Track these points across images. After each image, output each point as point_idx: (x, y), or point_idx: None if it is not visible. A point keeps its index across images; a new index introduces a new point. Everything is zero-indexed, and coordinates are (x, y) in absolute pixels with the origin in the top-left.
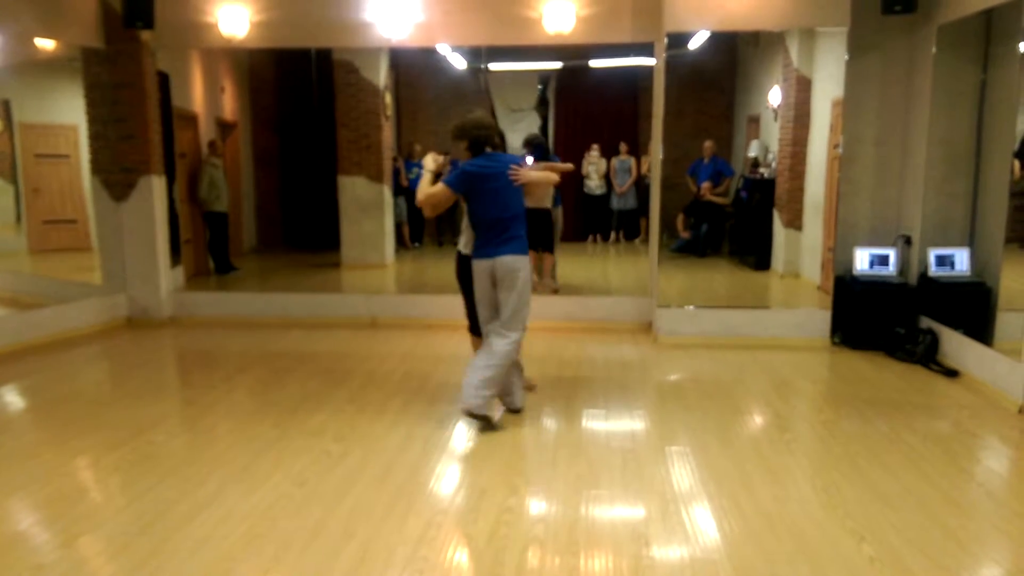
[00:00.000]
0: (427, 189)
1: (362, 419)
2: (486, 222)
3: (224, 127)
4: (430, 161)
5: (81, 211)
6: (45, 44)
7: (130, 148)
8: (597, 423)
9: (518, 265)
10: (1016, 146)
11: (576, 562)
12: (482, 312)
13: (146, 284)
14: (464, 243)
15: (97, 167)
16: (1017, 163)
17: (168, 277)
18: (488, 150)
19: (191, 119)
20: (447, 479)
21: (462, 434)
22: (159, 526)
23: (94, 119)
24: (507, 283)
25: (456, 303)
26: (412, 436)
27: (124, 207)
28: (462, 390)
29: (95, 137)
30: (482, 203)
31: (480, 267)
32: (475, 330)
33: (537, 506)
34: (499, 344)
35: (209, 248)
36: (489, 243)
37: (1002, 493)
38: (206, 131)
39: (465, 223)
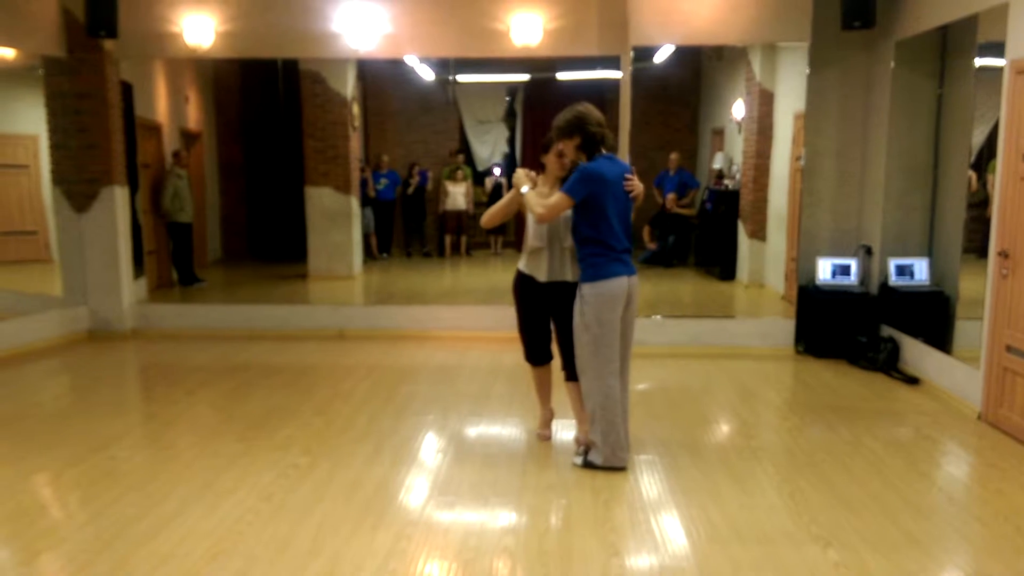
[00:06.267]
0: (544, 203)
1: (329, 432)
2: (613, 233)
3: (189, 137)
4: (524, 177)
5: (41, 222)
6: (5, 53)
7: (92, 158)
8: (566, 433)
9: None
10: (972, 158)
11: (546, 572)
12: (614, 345)
13: (108, 296)
14: (527, 264)
15: (58, 177)
16: (974, 175)
17: (130, 289)
18: (603, 150)
19: (155, 129)
20: (416, 492)
21: (431, 446)
22: (121, 543)
23: (55, 129)
24: (634, 303)
25: (425, 313)
26: (380, 449)
27: (86, 218)
28: (613, 448)
29: (56, 147)
30: (610, 210)
31: (617, 287)
32: (538, 359)
33: (506, 517)
34: (628, 376)
35: (173, 259)
36: (619, 259)
37: (962, 498)
38: (170, 141)
39: (536, 243)
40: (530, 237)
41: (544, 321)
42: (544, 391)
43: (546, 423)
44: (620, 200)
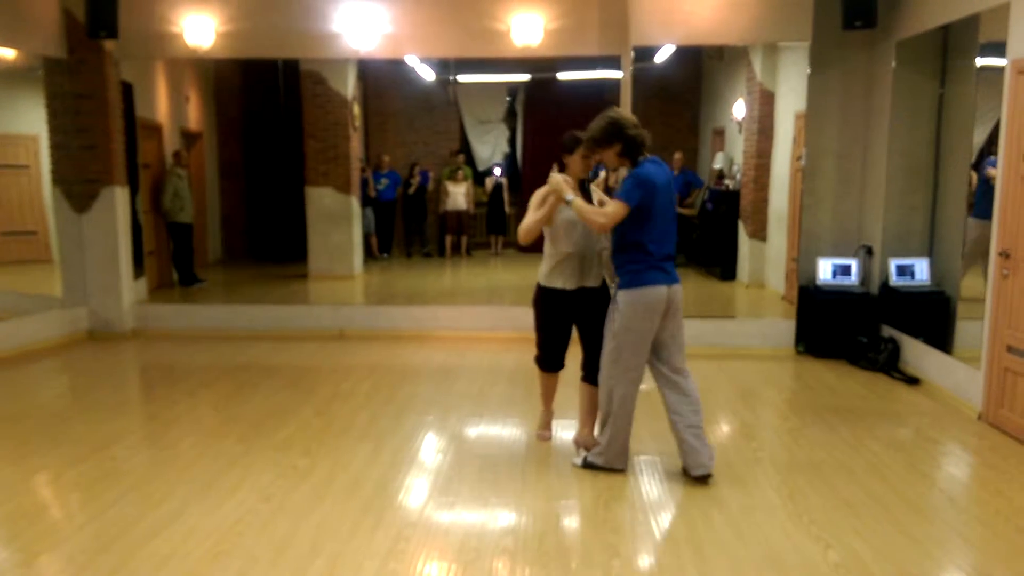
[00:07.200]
0: (604, 212)
1: (329, 433)
2: (656, 240)
3: (189, 137)
4: (564, 185)
5: (41, 222)
6: (6, 53)
7: (92, 158)
8: (566, 433)
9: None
10: (973, 158)
11: (546, 573)
12: (640, 354)
13: (108, 297)
14: (552, 274)
15: (58, 178)
16: (975, 175)
17: (130, 289)
18: (646, 153)
19: (155, 129)
20: (416, 492)
21: (431, 447)
22: (121, 543)
23: (56, 129)
24: (677, 310)
25: (425, 314)
26: (380, 449)
27: (86, 218)
28: (690, 456)
29: (56, 147)
30: (658, 216)
31: (653, 296)
32: (553, 367)
33: (506, 518)
34: (690, 384)
35: (173, 260)
36: (659, 266)
37: (963, 499)
38: (170, 141)
39: (551, 251)
40: (561, 243)
41: (567, 331)
42: (549, 394)
43: (547, 424)
44: (666, 206)
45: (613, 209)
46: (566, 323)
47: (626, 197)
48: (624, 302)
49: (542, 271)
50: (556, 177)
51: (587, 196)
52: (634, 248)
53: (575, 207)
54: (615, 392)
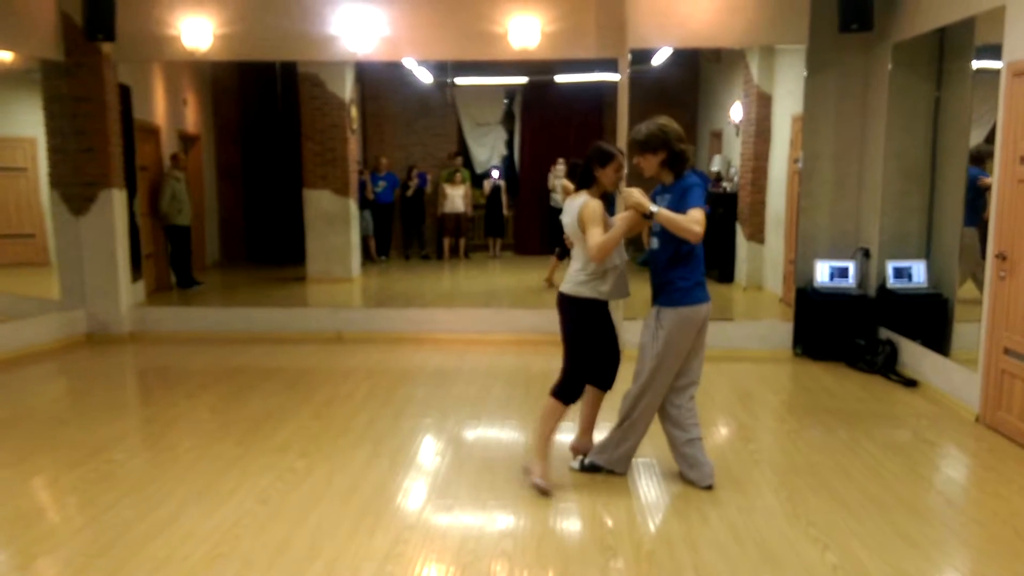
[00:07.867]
0: (697, 219)
1: (327, 435)
2: (702, 252)
3: (187, 140)
4: (641, 196)
5: (39, 225)
6: (3, 56)
7: (90, 161)
8: (564, 436)
9: None
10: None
11: (545, 575)
12: (672, 371)
13: (106, 299)
14: (604, 286)
15: (56, 180)
16: None
17: (128, 292)
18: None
19: (153, 132)
20: (414, 495)
21: (429, 449)
22: (119, 547)
23: (53, 132)
24: (706, 326)
25: (423, 316)
26: (378, 452)
27: (83, 221)
28: (696, 469)
29: (54, 150)
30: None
31: (696, 315)
32: (572, 395)
33: (504, 520)
34: (694, 399)
35: (171, 262)
36: (701, 283)
37: (960, 500)
38: (168, 144)
39: (585, 262)
40: (620, 253)
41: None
42: (555, 433)
43: (545, 471)
44: None
45: (701, 215)
46: (611, 336)
47: (701, 203)
48: (672, 321)
49: (600, 288)
50: (634, 192)
51: (612, 210)
52: (689, 259)
53: (662, 218)
54: (641, 402)
